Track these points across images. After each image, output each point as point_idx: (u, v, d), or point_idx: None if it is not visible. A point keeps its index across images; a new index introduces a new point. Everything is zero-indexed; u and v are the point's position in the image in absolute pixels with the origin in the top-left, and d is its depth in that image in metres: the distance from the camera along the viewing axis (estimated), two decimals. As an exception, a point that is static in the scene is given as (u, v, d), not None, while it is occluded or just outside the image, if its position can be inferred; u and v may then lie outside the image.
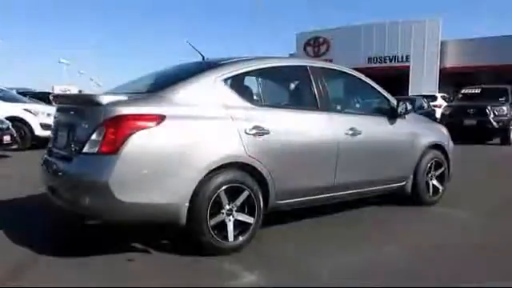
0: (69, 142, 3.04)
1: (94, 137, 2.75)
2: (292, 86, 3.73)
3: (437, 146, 4.56)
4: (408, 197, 4.42)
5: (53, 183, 3.18)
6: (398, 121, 4.19)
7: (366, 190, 4.00)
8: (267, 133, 3.19)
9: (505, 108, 11.29)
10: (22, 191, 4.77)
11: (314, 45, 33.68)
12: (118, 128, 2.70)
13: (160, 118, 2.81)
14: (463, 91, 13.17)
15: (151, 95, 3.02)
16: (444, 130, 4.88)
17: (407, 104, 4.14)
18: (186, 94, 3.03)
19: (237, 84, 3.33)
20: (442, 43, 30.69)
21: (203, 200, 2.90)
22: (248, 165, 3.11)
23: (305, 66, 3.73)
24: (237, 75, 3.30)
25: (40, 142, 9.85)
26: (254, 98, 3.35)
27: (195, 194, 2.88)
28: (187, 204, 2.87)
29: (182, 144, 2.87)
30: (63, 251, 3.05)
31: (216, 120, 3.05)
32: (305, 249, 3.20)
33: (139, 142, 2.73)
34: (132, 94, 3.10)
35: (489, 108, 11.21)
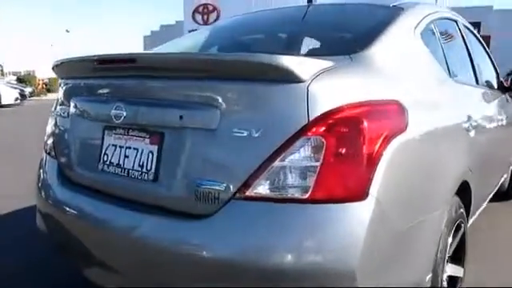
0: (173, 168, 1.32)
1: (279, 162, 1.15)
2: (453, 48, 2.48)
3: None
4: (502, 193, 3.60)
5: (110, 255, 1.45)
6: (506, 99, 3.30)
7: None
8: (476, 126, 1.94)
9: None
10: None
11: (203, 12, 31.79)
12: (361, 138, 1.15)
13: (403, 111, 1.33)
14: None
15: (351, 60, 1.38)
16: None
17: (528, 78, 3.23)
18: (389, 59, 1.54)
19: (432, 42, 1.92)
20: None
21: (439, 256, 1.55)
22: (465, 182, 1.83)
23: (455, 21, 2.50)
24: (429, 26, 1.90)
25: None
26: (447, 66, 2.00)
27: None
28: (430, 274, 1.49)
29: (427, 162, 1.44)
30: None
31: (444, 109, 1.67)
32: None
33: (394, 169, 1.21)
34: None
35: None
